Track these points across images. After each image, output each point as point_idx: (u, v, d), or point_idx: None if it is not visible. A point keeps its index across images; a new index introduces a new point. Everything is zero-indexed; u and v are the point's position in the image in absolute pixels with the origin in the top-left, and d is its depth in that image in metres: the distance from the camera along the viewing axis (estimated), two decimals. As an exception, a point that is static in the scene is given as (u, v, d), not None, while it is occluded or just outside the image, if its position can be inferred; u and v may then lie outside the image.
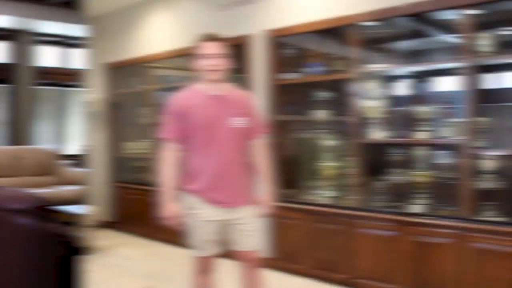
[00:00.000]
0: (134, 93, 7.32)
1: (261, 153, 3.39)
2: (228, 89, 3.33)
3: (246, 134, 3.29)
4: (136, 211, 6.93)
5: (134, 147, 7.35)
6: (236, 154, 3.24)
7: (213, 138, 3.17)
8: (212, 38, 3.21)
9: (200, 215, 3.22)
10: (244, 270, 3.37)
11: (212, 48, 3.15)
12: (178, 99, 3.31)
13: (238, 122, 3.21)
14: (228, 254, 3.41)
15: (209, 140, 3.17)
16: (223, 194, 3.21)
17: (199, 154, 3.21)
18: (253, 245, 3.32)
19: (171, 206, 3.22)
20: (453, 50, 4.29)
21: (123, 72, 7.42)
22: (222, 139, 3.18)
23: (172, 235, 6.10)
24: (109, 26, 7.59)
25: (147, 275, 5.29)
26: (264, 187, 3.40)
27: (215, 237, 3.26)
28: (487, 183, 3.97)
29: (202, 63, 3.18)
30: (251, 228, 3.30)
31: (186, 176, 3.27)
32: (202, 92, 3.25)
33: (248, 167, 3.35)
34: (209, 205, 3.20)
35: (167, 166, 3.25)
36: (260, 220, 3.40)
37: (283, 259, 5.12)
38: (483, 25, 4.02)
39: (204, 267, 3.35)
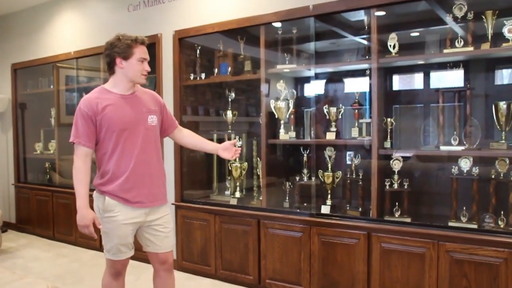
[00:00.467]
0: (42, 93, 6.69)
1: (189, 132, 3.28)
2: (136, 88, 3.00)
3: (161, 132, 3.10)
4: (42, 212, 6.37)
5: (42, 148, 6.80)
6: (152, 153, 2.96)
7: (129, 138, 2.86)
8: (146, 42, 2.92)
9: (116, 218, 2.86)
10: (158, 272, 3.09)
11: (146, 53, 2.90)
12: (88, 101, 2.84)
13: (152, 120, 2.96)
14: (140, 256, 3.16)
15: (125, 140, 2.85)
16: (140, 193, 2.89)
17: (116, 154, 2.86)
18: (169, 246, 3.06)
19: (87, 213, 2.78)
20: (361, 51, 4.07)
21: (30, 72, 6.75)
22: (138, 139, 2.88)
23: (81, 237, 5.70)
24: (14, 25, 6.85)
25: (55, 276, 4.81)
26: (214, 144, 3.31)
27: (130, 240, 2.95)
28: (394, 184, 3.80)
29: (135, 66, 2.85)
30: (167, 229, 3.05)
31: (102, 178, 2.91)
32: (112, 93, 2.89)
33: (163, 166, 3.10)
34: (127, 206, 2.86)
35: (79, 171, 2.82)
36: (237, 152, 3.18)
37: (191, 261, 4.70)
38: (390, 26, 3.80)
39: (116, 270, 3.01)
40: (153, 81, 5.06)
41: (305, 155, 4.31)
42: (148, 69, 2.89)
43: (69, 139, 2.84)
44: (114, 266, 2.97)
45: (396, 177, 3.76)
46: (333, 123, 4.14)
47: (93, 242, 5.49)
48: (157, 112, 3.00)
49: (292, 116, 4.38)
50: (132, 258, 3.04)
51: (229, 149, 3.13)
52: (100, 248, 5.41)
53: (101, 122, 2.80)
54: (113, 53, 2.83)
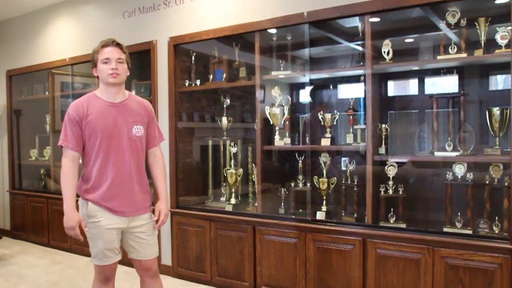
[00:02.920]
0: (37, 100, 6.67)
1: (159, 162, 3.15)
2: (128, 96, 3.01)
3: (144, 143, 3.05)
4: (37, 219, 6.34)
5: (36, 154, 6.77)
6: (135, 162, 2.95)
7: (112, 147, 2.87)
8: (110, 43, 2.88)
9: (100, 223, 2.87)
10: (143, 279, 3.10)
11: (110, 52, 2.85)
12: (76, 106, 2.88)
13: (137, 130, 2.96)
14: (129, 261, 3.12)
15: (108, 148, 2.86)
16: (122, 203, 2.89)
17: (98, 162, 2.87)
18: (152, 254, 3.05)
19: (73, 215, 2.81)
20: (355, 58, 4.07)
21: (26, 79, 6.72)
22: (121, 148, 2.89)
23: (75, 244, 5.67)
24: (9, 32, 6.84)
25: (50, 283, 4.78)
26: (161, 195, 3.10)
27: (116, 245, 2.94)
28: (389, 190, 3.80)
29: (101, 68, 2.86)
30: (151, 237, 3.04)
31: (85, 184, 2.93)
32: (101, 100, 2.91)
33: (146, 175, 3.07)
34: (110, 213, 2.88)
35: (67, 174, 2.86)
36: (157, 228, 3.08)
37: (186, 267, 4.67)
38: (384, 33, 3.82)
39: (105, 276, 3.01)
40: (148, 87, 5.07)
41: (300, 161, 4.29)
42: (113, 66, 2.81)
43: (59, 143, 2.90)
44: (102, 272, 2.98)
45: (391, 183, 3.76)
46: (328, 129, 4.14)
47: (88, 249, 5.41)
48: (144, 123, 3.00)
49: (287, 122, 4.38)
50: (127, 264, 3.02)
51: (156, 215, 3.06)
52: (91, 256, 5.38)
53: (85, 128, 2.83)
54: (91, 64, 2.95)
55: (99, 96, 2.91)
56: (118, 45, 2.89)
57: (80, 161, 2.94)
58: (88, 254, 5.59)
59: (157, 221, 3.03)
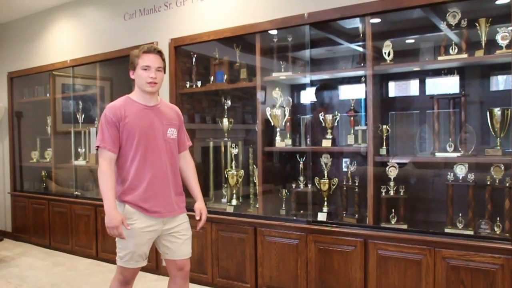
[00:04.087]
0: (38, 102, 6.69)
1: (190, 165, 3.26)
2: (160, 101, 3.10)
3: (177, 146, 3.13)
4: (39, 221, 6.34)
5: (38, 156, 6.77)
6: (170, 164, 3.02)
7: (149, 147, 2.93)
8: (152, 50, 2.94)
9: (135, 225, 2.90)
10: (175, 279, 3.14)
11: (151, 61, 2.91)
12: (114, 109, 2.94)
13: (172, 133, 3.05)
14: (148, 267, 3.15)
15: (145, 149, 2.92)
16: (159, 203, 2.95)
17: (136, 162, 2.92)
18: (186, 253, 3.11)
19: (116, 214, 2.80)
20: (356, 58, 4.08)
21: (27, 81, 6.74)
22: (158, 148, 2.96)
23: (76, 245, 5.69)
24: (11, 34, 6.86)
25: (51, 285, 4.76)
26: (198, 196, 3.22)
27: (145, 250, 2.99)
28: (390, 191, 3.81)
29: (141, 75, 2.92)
30: (185, 236, 3.10)
31: (122, 186, 2.96)
32: (136, 103, 2.99)
33: (180, 177, 3.16)
34: (145, 215, 2.92)
35: (105, 174, 2.86)
36: (199, 227, 3.17)
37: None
38: (385, 33, 3.82)
39: (125, 278, 3.03)
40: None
41: (301, 162, 4.30)
42: (152, 75, 2.88)
43: (95, 145, 2.93)
44: (123, 273, 2.99)
45: (392, 183, 3.76)
46: (329, 130, 4.14)
47: (90, 251, 5.49)
48: (177, 126, 3.08)
49: (288, 123, 4.38)
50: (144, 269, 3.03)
51: (197, 215, 3.16)
52: (96, 257, 5.41)
53: (123, 129, 2.88)
54: (129, 66, 2.97)
55: (134, 100, 2.98)
56: (159, 52, 2.95)
57: None
58: (89, 256, 5.67)
59: (198, 221, 3.13)
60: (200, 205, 3.16)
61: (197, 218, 3.13)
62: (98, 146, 2.89)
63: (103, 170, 2.85)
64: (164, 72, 3.01)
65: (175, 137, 3.06)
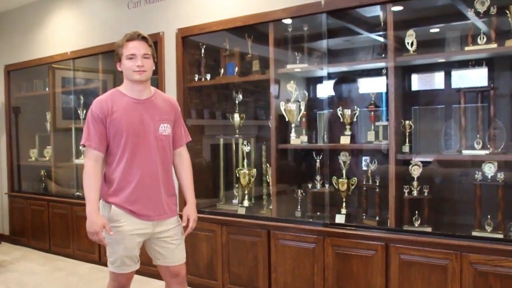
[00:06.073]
0: (37, 96, 6.78)
1: (185, 164, 3.21)
2: (154, 93, 3.05)
3: (171, 142, 3.09)
4: (38, 223, 6.42)
5: (36, 154, 6.84)
6: (161, 163, 2.99)
7: (138, 146, 2.90)
8: (135, 36, 2.89)
9: (122, 228, 2.90)
10: (170, 286, 3.14)
11: (136, 48, 2.87)
12: (100, 103, 2.92)
13: (164, 129, 3.00)
14: (143, 270, 3.17)
15: (134, 147, 2.89)
16: (147, 206, 2.93)
17: (123, 162, 2.90)
18: (180, 259, 3.09)
19: (96, 218, 2.80)
20: (377, 49, 4.09)
21: (25, 74, 6.82)
22: (147, 147, 2.93)
23: (77, 250, 5.77)
24: (7, 25, 6.95)
25: None
26: (188, 199, 3.17)
27: (136, 253, 2.99)
28: (413, 191, 3.81)
29: (126, 64, 2.88)
30: (178, 241, 3.07)
31: (108, 186, 2.96)
32: (126, 96, 2.95)
33: (172, 177, 3.12)
34: (133, 217, 2.91)
35: (89, 175, 2.87)
36: (186, 235, 3.14)
37: (197, 274, 4.70)
38: (408, 22, 3.81)
39: (120, 284, 3.04)
40: (155, 82, 5.12)
41: (318, 160, 4.33)
42: (139, 63, 2.84)
43: (81, 143, 2.93)
44: (117, 279, 3.00)
45: (415, 183, 3.77)
46: (348, 126, 4.16)
47: (92, 255, 5.56)
48: (171, 122, 3.04)
49: (303, 119, 4.40)
50: (140, 272, 3.06)
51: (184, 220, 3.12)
52: (99, 261, 5.47)
53: (110, 125, 2.87)
54: (114, 58, 2.96)
55: (123, 93, 2.95)
56: (144, 38, 2.90)
57: None
58: (91, 261, 5.74)
59: (185, 227, 3.09)
60: (189, 210, 3.11)
61: (184, 224, 3.10)
62: (83, 144, 2.90)
63: (87, 170, 2.85)
64: (154, 60, 2.97)
65: (169, 133, 3.02)
